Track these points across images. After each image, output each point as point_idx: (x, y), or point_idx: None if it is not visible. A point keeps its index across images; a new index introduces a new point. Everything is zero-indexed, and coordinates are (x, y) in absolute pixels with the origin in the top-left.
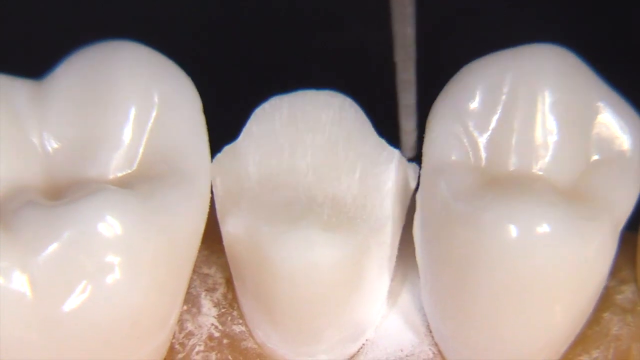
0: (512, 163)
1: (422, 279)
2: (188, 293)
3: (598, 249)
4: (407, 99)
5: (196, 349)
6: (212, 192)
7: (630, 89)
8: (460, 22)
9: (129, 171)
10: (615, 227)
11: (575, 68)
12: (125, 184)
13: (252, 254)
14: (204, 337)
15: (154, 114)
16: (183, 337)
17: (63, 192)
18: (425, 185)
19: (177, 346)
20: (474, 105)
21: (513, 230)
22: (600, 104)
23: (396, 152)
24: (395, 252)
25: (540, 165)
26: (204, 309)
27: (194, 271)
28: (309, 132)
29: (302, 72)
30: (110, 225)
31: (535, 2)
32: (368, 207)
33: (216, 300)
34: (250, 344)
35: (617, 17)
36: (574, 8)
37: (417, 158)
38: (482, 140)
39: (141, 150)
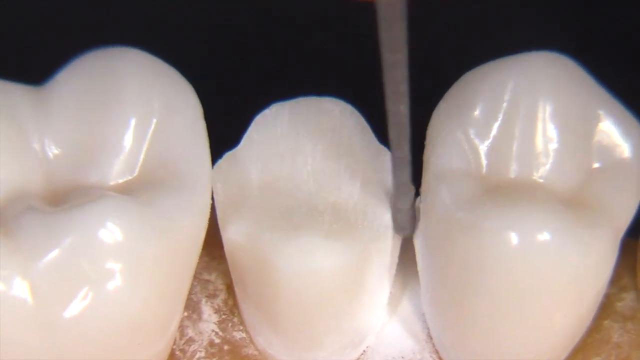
0: (513, 170)
1: (423, 286)
2: (189, 299)
3: (599, 257)
4: (402, 176)
5: (197, 356)
6: (212, 199)
7: (631, 96)
8: (460, 27)
9: (130, 177)
10: (616, 235)
11: (576, 76)
12: (126, 190)
13: (253, 261)
14: (205, 343)
15: (154, 120)
16: (184, 344)
17: (64, 198)
18: (427, 193)
19: (177, 352)
20: (475, 112)
21: (514, 238)
22: (601, 112)
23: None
24: (396, 259)
25: (541, 173)
26: (205, 315)
27: (195, 277)
28: (310, 139)
29: (303, 79)
30: (110, 232)
31: (536, 9)
32: (369, 214)
33: (217, 307)
34: (251, 350)
35: (618, 20)
36: (574, 14)
37: (405, 272)
38: (483, 148)
39: (142, 156)
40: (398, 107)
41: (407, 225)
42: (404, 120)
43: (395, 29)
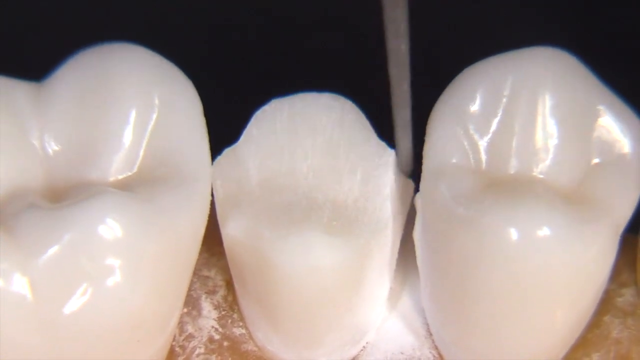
0: (513, 166)
1: (423, 281)
2: (188, 295)
3: (598, 252)
4: (403, 115)
5: (196, 352)
6: (212, 195)
7: (630, 93)
8: (460, 25)
9: (130, 174)
10: (616, 230)
11: (575, 71)
12: (126, 186)
13: (253, 257)
14: (204, 339)
15: (154, 116)
16: (183, 340)
17: (63, 194)
18: (426, 188)
19: (177, 349)
20: (475, 108)
21: (513, 234)
22: (601, 107)
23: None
24: (396, 254)
25: (541, 169)
26: (204, 312)
27: (194, 274)
28: (310, 135)
29: (303, 75)
30: (110, 228)
31: (535, 4)
32: (369, 209)
33: (216, 303)
34: (250, 346)
35: (618, 19)
36: (574, 10)
37: (413, 174)
38: (482, 143)
39: (141, 152)
40: (399, 46)
41: (409, 163)
42: (404, 58)
43: None
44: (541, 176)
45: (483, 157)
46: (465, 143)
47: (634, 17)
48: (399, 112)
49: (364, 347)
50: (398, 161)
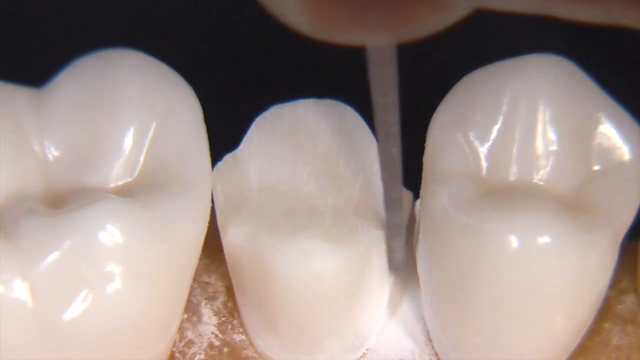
0: (513, 173)
1: (423, 288)
2: (188, 301)
3: (599, 260)
4: (395, 217)
5: (196, 358)
6: (212, 201)
7: (630, 97)
8: (459, 32)
9: (130, 180)
10: (616, 238)
11: (575, 78)
12: (126, 192)
13: (253, 263)
14: (204, 345)
15: (154, 122)
16: (183, 346)
17: (64, 200)
18: (426, 195)
19: (177, 355)
20: (475, 115)
21: (514, 241)
22: (601, 115)
23: None
24: None
25: (541, 176)
26: (204, 318)
27: (195, 280)
28: (310, 141)
29: (304, 81)
30: (110, 234)
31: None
32: (369, 216)
33: (216, 309)
34: (250, 352)
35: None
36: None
37: (406, 274)
38: (482, 150)
39: (142, 158)
40: (390, 149)
41: (402, 264)
42: (396, 161)
43: (386, 73)
44: (541, 183)
45: (483, 164)
46: (466, 150)
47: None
48: (390, 214)
49: (363, 353)
50: (391, 261)
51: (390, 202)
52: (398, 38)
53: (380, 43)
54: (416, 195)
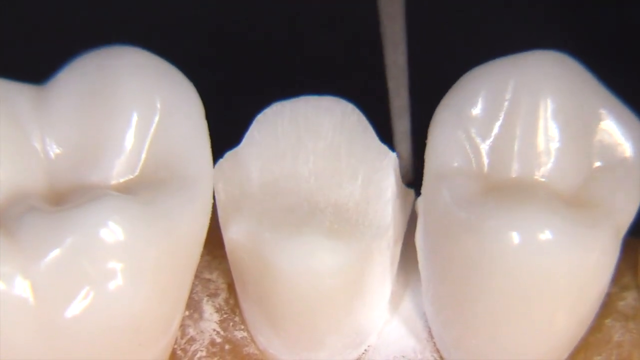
0: (515, 169)
1: (424, 285)
2: (190, 298)
3: (600, 256)
4: (402, 125)
5: (198, 355)
6: (214, 198)
7: (631, 95)
8: (461, 28)
9: (131, 177)
10: (618, 234)
11: (577, 74)
12: (128, 189)
13: (254, 260)
14: (206, 342)
15: (156, 119)
16: (185, 343)
17: (65, 197)
18: (428, 192)
19: (179, 352)
20: (477, 111)
21: (515, 237)
22: (603, 111)
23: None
24: (397, 258)
25: (543, 172)
26: (206, 315)
27: (196, 277)
28: (311, 138)
29: (305, 78)
30: (112, 231)
31: (536, 7)
32: (370, 213)
33: (218, 306)
34: (252, 349)
35: (619, 21)
36: (574, 12)
37: (414, 180)
38: (484, 147)
39: (143, 156)
40: (397, 58)
41: (409, 172)
42: (402, 70)
43: None
44: (543, 180)
45: (485, 160)
46: (467, 146)
47: (635, 19)
48: (398, 122)
49: (365, 350)
50: (400, 170)
51: (397, 110)
52: None
53: None
54: (417, 193)
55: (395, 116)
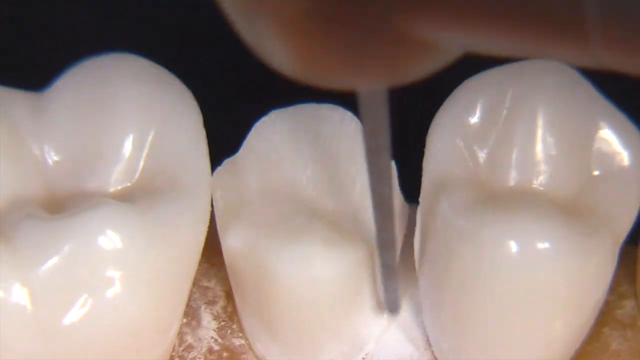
0: (513, 178)
1: (422, 293)
2: (188, 306)
3: (598, 265)
4: (388, 258)
5: None
6: (212, 206)
7: (630, 103)
8: None
9: (129, 184)
10: (616, 243)
11: (575, 83)
12: (126, 197)
13: (252, 268)
14: (204, 350)
15: (154, 127)
16: (182, 350)
17: (63, 205)
18: (425, 200)
19: (176, 359)
20: (475, 120)
21: (513, 246)
22: (601, 120)
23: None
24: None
25: (541, 181)
26: (204, 322)
27: (194, 284)
28: (310, 146)
29: (303, 86)
30: (110, 239)
31: None
32: (368, 221)
33: (216, 314)
34: (250, 357)
35: None
36: None
37: (405, 278)
38: (482, 155)
39: (141, 163)
40: (383, 190)
41: (396, 305)
42: (388, 202)
43: (377, 116)
44: (541, 188)
45: (483, 169)
46: (466, 155)
47: None
48: (384, 255)
49: (363, 357)
50: (385, 301)
51: (384, 243)
52: (389, 83)
53: (371, 88)
54: (416, 201)
55: (382, 249)
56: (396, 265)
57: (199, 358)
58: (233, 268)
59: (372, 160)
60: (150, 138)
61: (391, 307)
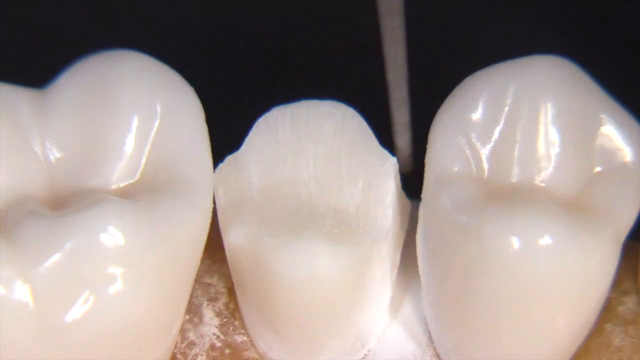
0: (515, 174)
1: (424, 289)
2: (190, 303)
3: (600, 261)
4: (401, 116)
5: (198, 359)
6: (214, 202)
7: (633, 99)
8: (461, 33)
9: (132, 181)
10: (618, 239)
11: (577, 79)
12: (128, 194)
13: (254, 264)
14: (206, 347)
15: (156, 123)
16: (185, 347)
17: (65, 202)
18: (428, 197)
19: (179, 356)
20: (477, 116)
21: (515, 242)
22: (603, 116)
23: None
24: (397, 262)
25: (543, 177)
26: (206, 319)
27: (196, 280)
28: (311, 142)
29: (305, 82)
30: (112, 236)
31: (537, 11)
32: (370, 217)
33: (218, 310)
34: (252, 354)
35: (619, 25)
36: (575, 16)
37: (412, 173)
38: (484, 152)
39: (144, 160)
40: (396, 51)
41: (408, 163)
42: (401, 62)
43: None
44: (543, 185)
45: (485, 165)
46: (468, 151)
47: (636, 23)
48: (397, 114)
49: (365, 354)
50: (398, 161)
51: (396, 102)
52: None
53: None
54: (418, 197)
55: (395, 108)
56: (409, 123)
57: (201, 355)
58: (235, 265)
59: (385, 22)
60: (152, 135)
61: (404, 166)
